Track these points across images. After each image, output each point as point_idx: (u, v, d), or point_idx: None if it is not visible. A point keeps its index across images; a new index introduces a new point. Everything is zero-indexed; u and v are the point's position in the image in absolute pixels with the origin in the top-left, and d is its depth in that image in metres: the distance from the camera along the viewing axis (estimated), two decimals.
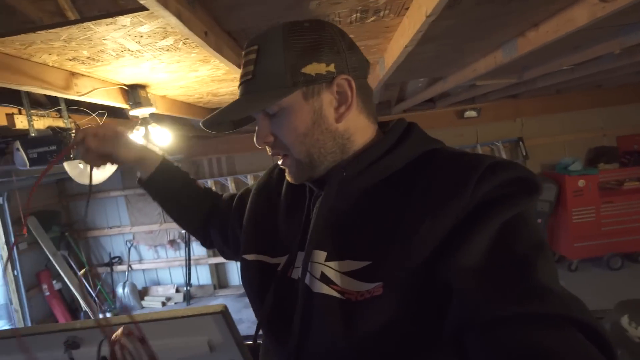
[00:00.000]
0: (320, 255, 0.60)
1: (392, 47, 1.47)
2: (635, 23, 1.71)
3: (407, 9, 1.14)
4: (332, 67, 0.57)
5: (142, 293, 5.05)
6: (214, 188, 4.55)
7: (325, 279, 0.58)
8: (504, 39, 1.67)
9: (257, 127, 0.61)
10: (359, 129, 0.62)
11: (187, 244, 4.80)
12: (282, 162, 0.63)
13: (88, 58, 1.21)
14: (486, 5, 1.20)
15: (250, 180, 4.60)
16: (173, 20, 0.79)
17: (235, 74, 1.46)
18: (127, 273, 4.95)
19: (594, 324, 0.40)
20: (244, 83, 0.59)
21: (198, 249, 4.93)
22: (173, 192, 0.88)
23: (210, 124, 0.64)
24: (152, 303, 4.89)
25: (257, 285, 0.69)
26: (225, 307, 1.08)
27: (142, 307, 4.84)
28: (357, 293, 0.54)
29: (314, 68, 0.57)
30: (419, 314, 0.52)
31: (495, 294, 0.44)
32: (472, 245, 0.48)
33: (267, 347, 0.70)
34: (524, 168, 0.54)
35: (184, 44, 1.18)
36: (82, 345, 0.91)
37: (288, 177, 0.64)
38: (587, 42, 2.06)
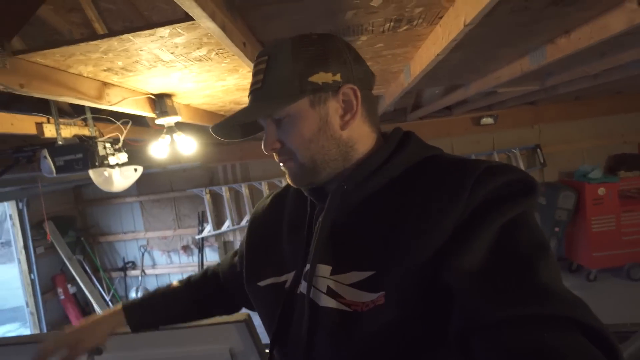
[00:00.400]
0: (325, 269, 0.60)
1: (420, 55, 1.46)
2: None
3: (441, 17, 1.13)
4: (338, 77, 0.59)
5: None
6: (227, 194, 4.67)
7: (332, 293, 0.59)
8: (532, 45, 1.65)
9: (264, 135, 0.63)
10: (362, 137, 0.63)
11: (201, 250, 4.81)
12: (285, 165, 0.64)
13: (122, 69, 1.22)
14: (520, 13, 1.19)
15: (264, 187, 4.60)
16: (218, 31, 0.79)
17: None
18: (140, 278, 4.98)
19: (597, 325, 0.40)
20: (253, 92, 0.62)
21: (211, 254, 4.94)
22: (174, 317, 0.91)
23: (218, 130, 0.66)
24: None
25: (269, 305, 0.69)
26: (248, 316, 1.07)
27: None
28: (363, 304, 0.55)
29: (321, 77, 0.59)
30: (421, 319, 0.53)
31: (497, 296, 0.44)
32: (473, 248, 0.48)
33: None
34: (521, 170, 0.55)
35: (217, 54, 1.18)
36: (105, 351, 0.92)
37: (288, 180, 0.65)
38: (613, 48, 2.03)
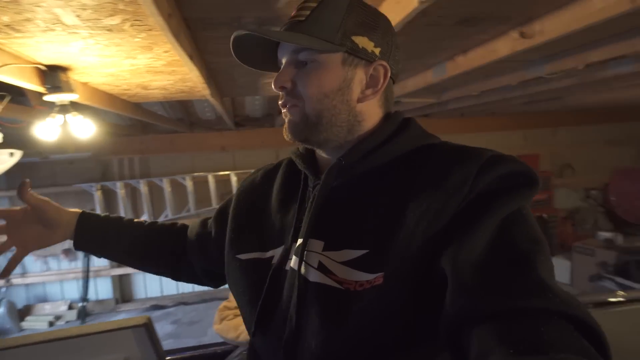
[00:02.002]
0: (318, 244, 0.59)
1: None
2: (536, 60, 2.03)
3: None
4: (378, 50, 0.59)
5: (23, 312, 4.31)
6: (123, 192, 4.22)
7: (323, 269, 0.57)
8: (436, 60, 1.85)
9: (278, 72, 0.60)
10: (372, 116, 0.62)
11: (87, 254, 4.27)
12: (288, 111, 0.61)
13: (7, 26, 1.02)
14: (433, 27, 1.32)
15: (165, 184, 4.28)
16: None
17: (177, 66, 1.37)
18: (3, 289, 4.20)
19: (589, 320, 0.41)
20: (292, 23, 0.58)
21: (99, 259, 4.40)
22: (121, 243, 0.84)
23: (239, 40, 0.60)
24: (36, 324, 4.16)
25: (249, 280, 0.66)
26: (149, 319, 0.96)
27: (22, 330, 4.09)
28: (356, 283, 0.54)
29: (364, 41, 0.58)
30: (418, 305, 0.52)
31: (494, 289, 0.44)
32: (473, 238, 0.48)
33: (256, 352, 0.67)
34: (523, 162, 0.54)
35: (132, 25, 1.06)
36: None
37: (285, 131, 0.62)
38: (496, 72, 2.38)
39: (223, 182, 4.49)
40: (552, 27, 1.25)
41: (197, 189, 4.45)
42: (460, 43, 1.58)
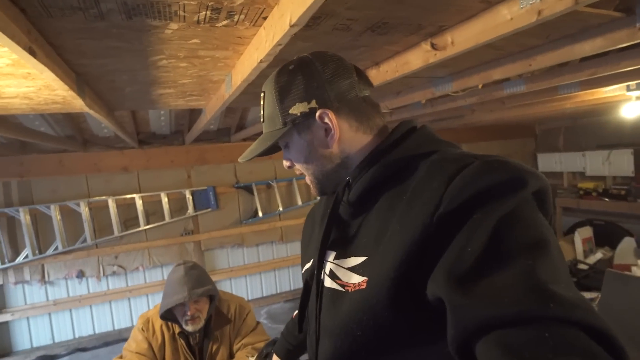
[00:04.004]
0: (331, 254, 0.69)
1: (242, 62, 1.33)
2: (444, 77, 2.05)
3: (266, 18, 1.03)
4: (313, 103, 0.66)
5: None
6: None
7: (332, 275, 0.66)
8: None
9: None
10: (355, 145, 0.68)
11: None
12: (306, 179, 0.75)
13: None
14: (342, 33, 1.20)
15: (53, 212, 3.63)
16: None
17: (31, 68, 1.06)
18: None
19: (599, 324, 0.39)
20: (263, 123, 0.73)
21: None
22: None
23: (246, 159, 0.76)
24: None
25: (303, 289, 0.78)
26: None
27: None
28: (353, 285, 0.61)
29: (298, 108, 0.66)
30: (399, 311, 0.54)
31: (492, 301, 0.42)
32: (459, 252, 0.47)
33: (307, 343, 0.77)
34: (506, 166, 0.52)
35: None
36: None
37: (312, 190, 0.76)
38: (406, 89, 2.38)
39: (126, 206, 3.97)
40: (462, 38, 1.20)
41: (95, 215, 3.88)
42: (372, 54, 1.50)
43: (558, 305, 0.40)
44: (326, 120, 0.65)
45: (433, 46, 1.29)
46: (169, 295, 1.55)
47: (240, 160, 0.77)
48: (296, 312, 1.02)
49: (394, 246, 0.55)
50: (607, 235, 4.11)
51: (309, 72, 0.66)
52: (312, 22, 1.03)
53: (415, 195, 0.56)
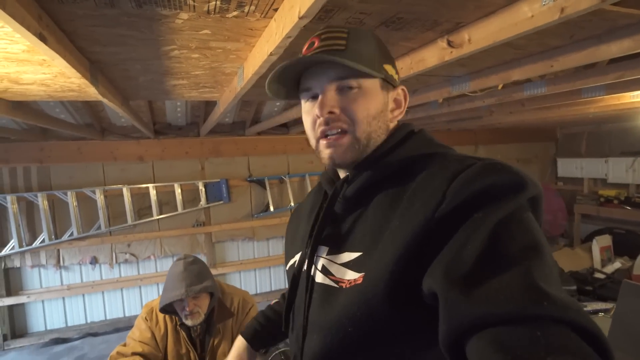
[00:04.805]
0: (323, 249, 0.67)
1: (254, 54, 1.31)
2: (462, 76, 2.00)
3: (277, 10, 1.01)
4: (397, 76, 0.69)
5: None
6: (15, 206, 3.58)
7: (325, 270, 0.65)
8: None
9: (321, 98, 0.63)
10: (386, 133, 0.68)
11: None
12: (335, 140, 0.64)
13: None
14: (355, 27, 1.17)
15: (70, 198, 3.71)
16: None
17: (46, 55, 1.07)
18: None
19: (590, 326, 0.40)
20: (332, 51, 0.62)
21: None
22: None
23: (279, 72, 0.63)
24: None
25: (289, 283, 0.75)
26: None
27: None
28: (348, 281, 0.60)
29: (390, 69, 0.67)
30: (394, 307, 0.54)
31: (487, 300, 0.43)
32: (459, 251, 0.48)
33: (291, 337, 0.75)
34: (510, 169, 0.53)
35: None
36: None
37: (332, 157, 0.65)
38: (423, 87, 2.34)
39: (141, 195, 4.03)
40: (480, 35, 1.16)
41: (110, 203, 3.94)
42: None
43: (552, 305, 0.41)
44: (402, 97, 0.69)
45: (449, 43, 1.25)
46: (168, 290, 1.56)
47: (285, 62, 0.63)
48: (275, 300, 1.04)
49: (393, 242, 0.55)
50: (627, 245, 3.98)
51: (388, 50, 0.70)
52: (323, 15, 1.01)
53: (417, 193, 0.56)
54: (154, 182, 4.05)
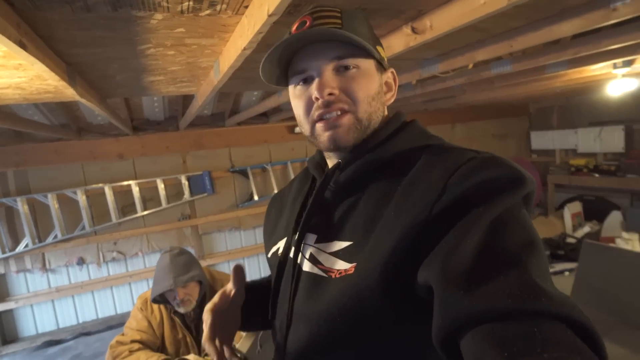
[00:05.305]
0: (311, 237, 0.65)
1: (228, 49, 1.36)
2: (431, 58, 2.08)
3: (247, 7, 1.06)
4: (385, 58, 0.67)
5: None
6: None
7: (313, 259, 0.63)
8: None
9: (319, 79, 0.61)
10: (381, 117, 0.67)
11: None
12: (336, 119, 0.62)
13: None
14: None
15: (51, 200, 3.69)
16: None
17: (22, 60, 1.09)
18: None
19: (584, 321, 0.40)
20: (329, 29, 0.60)
21: None
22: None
23: (275, 52, 0.61)
24: None
25: (272, 271, 0.74)
26: None
27: None
28: (337, 271, 0.58)
29: (381, 51, 0.66)
30: (386, 299, 0.53)
31: (484, 294, 0.42)
32: (456, 246, 0.47)
33: (273, 335, 0.73)
34: (507, 164, 0.52)
35: None
36: None
37: (333, 139, 0.62)
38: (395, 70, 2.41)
39: (123, 193, 4.03)
40: (440, 22, 1.24)
41: (93, 203, 3.93)
42: None
43: (548, 301, 0.41)
44: (392, 80, 0.68)
45: (413, 30, 1.33)
46: (157, 282, 1.64)
47: (279, 42, 0.60)
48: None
49: (388, 233, 0.54)
50: (596, 210, 4.21)
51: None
52: (292, 10, 1.06)
53: (413, 184, 0.55)
54: (136, 179, 4.04)
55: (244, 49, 1.14)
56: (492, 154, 0.55)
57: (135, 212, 4.02)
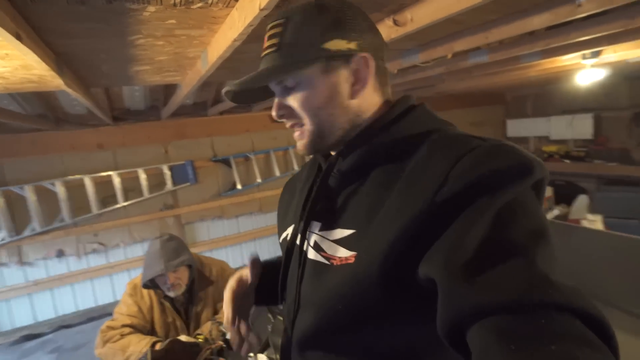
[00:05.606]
0: (316, 225, 0.65)
1: (217, 40, 1.39)
2: (412, 48, 2.15)
3: (237, 0, 1.10)
4: (353, 45, 0.60)
5: None
6: None
7: (316, 247, 0.64)
8: None
9: (274, 101, 0.64)
10: (371, 106, 0.64)
11: None
12: (296, 134, 0.65)
13: None
14: None
15: (28, 192, 3.61)
16: None
17: (10, 50, 1.11)
18: None
19: (594, 312, 0.39)
20: (267, 56, 0.61)
21: None
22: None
23: (231, 95, 0.66)
24: None
25: (283, 258, 0.75)
26: None
27: None
28: (339, 259, 0.59)
29: (335, 44, 0.59)
30: (386, 289, 0.53)
31: (490, 286, 0.42)
32: (462, 237, 0.46)
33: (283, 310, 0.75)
34: (513, 152, 0.51)
35: None
36: None
37: (298, 147, 0.66)
38: None
39: (104, 184, 3.96)
40: (421, 15, 1.31)
41: (72, 194, 3.85)
42: None
43: (556, 292, 0.40)
44: (363, 66, 0.60)
45: (395, 22, 1.39)
46: (148, 268, 1.68)
47: (225, 89, 0.66)
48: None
49: (390, 223, 0.53)
50: (566, 194, 4.43)
51: (353, 12, 0.61)
52: (281, 3, 1.11)
53: (416, 172, 0.54)
54: (116, 170, 3.99)
55: (234, 40, 1.18)
56: (499, 140, 0.53)
57: (117, 202, 3.99)
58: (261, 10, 0.95)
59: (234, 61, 1.66)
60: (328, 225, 0.63)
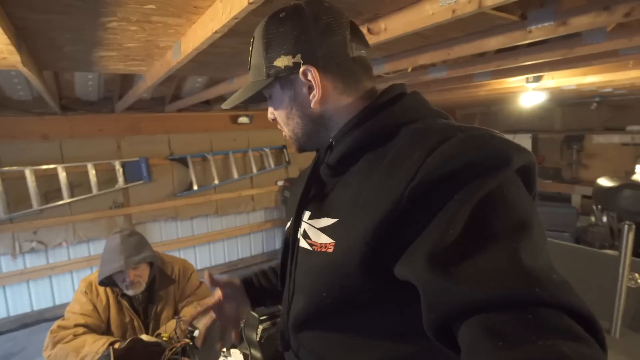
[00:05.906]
0: (306, 214, 0.69)
1: (195, 30, 1.38)
2: (379, 59, 2.25)
3: None
4: (298, 58, 0.62)
5: None
6: None
7: (305, 235, 0.67)
8: None
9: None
10: (340, 108, 0.65)
11: None
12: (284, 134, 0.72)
13: None
14: None
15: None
16: None
17: None
18: None
19: (579, 305, 0.39)
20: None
21: None
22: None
23: (230, 106, 0.74)
24: None
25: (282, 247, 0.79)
26: None
27: None
28: (320, 245, 0.62)
29: (282, 61, 0.63)
30: (364, 277, 0.54)
31: (473, 284, 0.41)
32: (440, 234, 0.46)
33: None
34: (490, 142, 0.50)
35: None
36: None
37: (294, 148, 0.73)
38: None
39: (47, 177, 3.68)
40: (394, 26, 1.39)
41: (10, 187, 3.55)
42: None
43: (542, 289, 0.39)
44: (309, 77, 0.61)
45: (369, 31, 1.47)
46: (106, 263, 1.59)
47: (223, 106, 0.76)
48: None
49: (366, 213, 0.54)
50: None
51: (299, 23, 0.61)
52: (267, 1, 1.14)
53: (394, 164, 0.54)
54: (62, 163, 3.74)
55: (215, 32, 1.19)
56: (479, 129, 0.52)
57: (61, 198, 3.72)
58: (250, 3, 0.97)
59: (207, 54, 1.65)
60: (317, 214, 0.66)
